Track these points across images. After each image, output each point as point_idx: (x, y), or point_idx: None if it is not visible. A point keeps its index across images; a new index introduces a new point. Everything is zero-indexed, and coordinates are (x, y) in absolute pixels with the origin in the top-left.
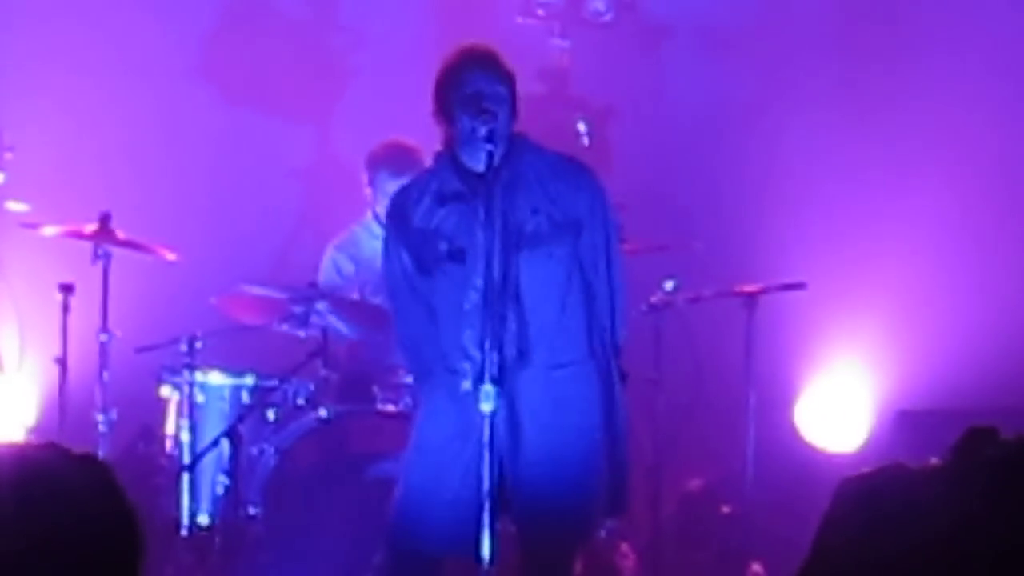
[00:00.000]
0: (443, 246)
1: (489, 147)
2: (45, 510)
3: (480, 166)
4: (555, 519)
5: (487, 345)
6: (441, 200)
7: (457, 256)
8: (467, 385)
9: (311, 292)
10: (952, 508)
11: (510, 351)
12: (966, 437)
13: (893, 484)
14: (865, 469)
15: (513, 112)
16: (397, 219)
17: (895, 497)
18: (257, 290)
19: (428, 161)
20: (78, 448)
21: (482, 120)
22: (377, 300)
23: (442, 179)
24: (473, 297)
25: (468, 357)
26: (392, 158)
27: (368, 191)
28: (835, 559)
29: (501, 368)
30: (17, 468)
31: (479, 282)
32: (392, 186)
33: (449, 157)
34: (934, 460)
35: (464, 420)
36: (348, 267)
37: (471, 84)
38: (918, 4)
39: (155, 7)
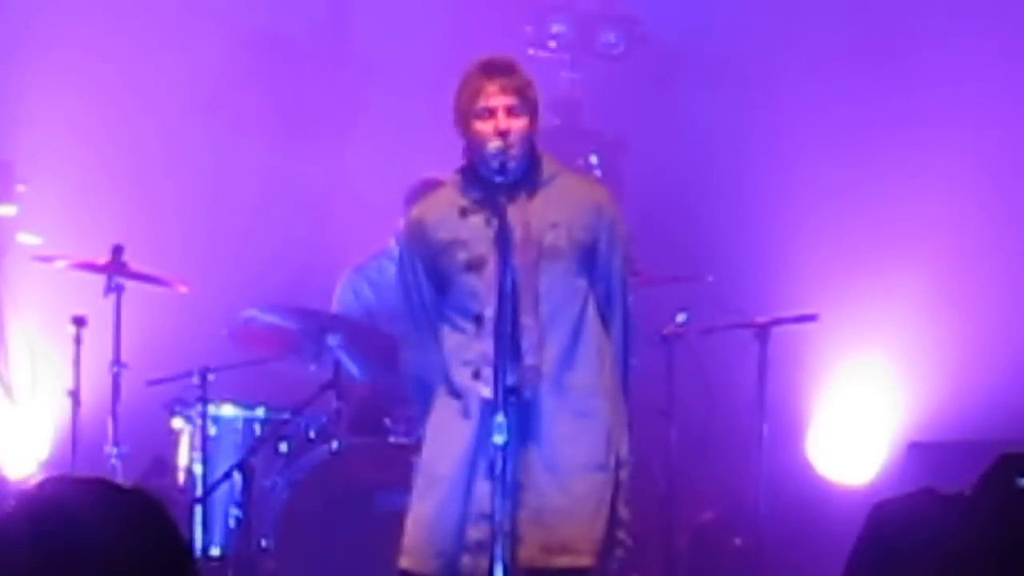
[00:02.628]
0: (462, 255)
1: (499, 144)
2: (58, 546)
3: (497, 175)
4: (560, 551)
5: (501, 349)
6: (463, 211)
7: (475, 264)
8: (486, 392)
9: (322, 322)
10: (981, 535)
11: (531, 359)
12: (997, 465)
13: (922, 511)
14: (898, 495)
15: (532, 118)
16: (415, 234)
17: (924, 524)
18: (267, 317)
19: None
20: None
21: (494, 128)
22: (389, 331)
23: (463, 191)
24: (495, 303)
25: (489, 363)
26: None
27: None
28: None
29: (521, 376)
30: (32, 506)
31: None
32: None
33: (470, 170)
34: (966, 488)
35: (474, 440)
36: (367, 292)
37: (487, 99)
38: (929, 30)
39: (167, 40)
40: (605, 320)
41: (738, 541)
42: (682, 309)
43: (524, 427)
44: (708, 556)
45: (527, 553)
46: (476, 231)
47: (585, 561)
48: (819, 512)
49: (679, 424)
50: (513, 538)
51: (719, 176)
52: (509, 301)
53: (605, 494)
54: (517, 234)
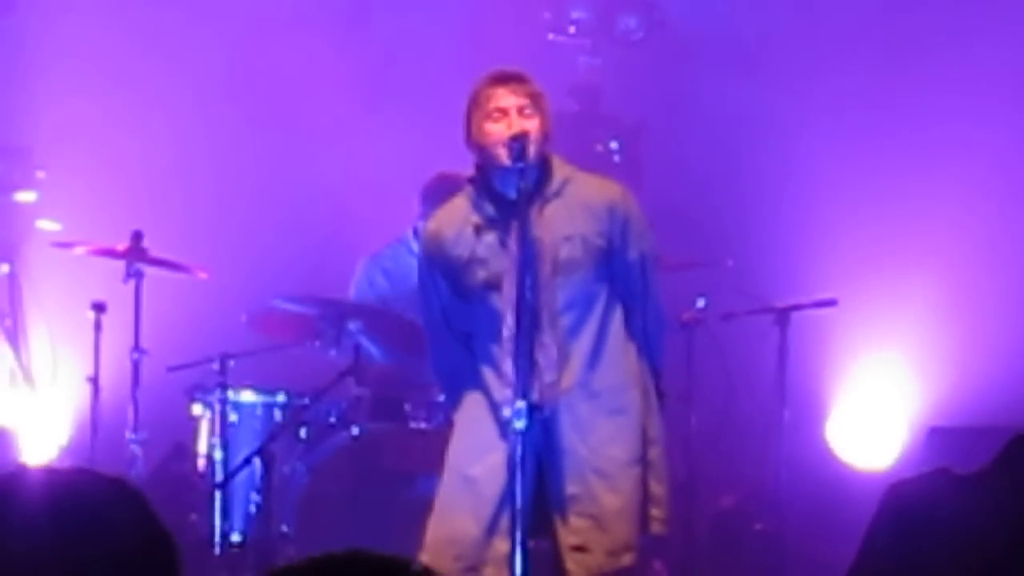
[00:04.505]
0: (481, 274)
1: (517, 146)
2: (80, 536)
3: (512, 191)
4: (624, 551)
5: (520, 367)
6: (477, 228)
7: (494, 283)
8: (508, 412)
9: (343, 309)
10: (994, 516)
11: (550, 376)
12: (1011, 445)
13: (938, 491)
14: (913, 475)
15: (543, 131)
16: (433, 249)
17: (940, 504)
18: (289, 306)
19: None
20: (110, 468)
21: (507, 127)
22: (408, 317)
23: (476, 207)
24: (512, 324)
25: (509, 384)
26: (448, 193)
27: (422, 225)
28: (881, 563)
29: (541, 393)
30: (51, 493)
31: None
32: None
33: (482, 184)
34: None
35: (502, 443)
36: (382, 281)
37: (498, 100)
38: (948, 20)
39: (188, 28)
40: (628, 309)
41: (758, 526)
42: (702, 294)
43: (554, 435)
44: (728, 541)
45: (595, 560)
46: (491, 249)
47: (636, 554)
48: (839, 497)
49: (699, 410)
50: (578, 550)
51: (739, 162)
52: (526, 320)
53: (639, 484)
54: (530, 251)
